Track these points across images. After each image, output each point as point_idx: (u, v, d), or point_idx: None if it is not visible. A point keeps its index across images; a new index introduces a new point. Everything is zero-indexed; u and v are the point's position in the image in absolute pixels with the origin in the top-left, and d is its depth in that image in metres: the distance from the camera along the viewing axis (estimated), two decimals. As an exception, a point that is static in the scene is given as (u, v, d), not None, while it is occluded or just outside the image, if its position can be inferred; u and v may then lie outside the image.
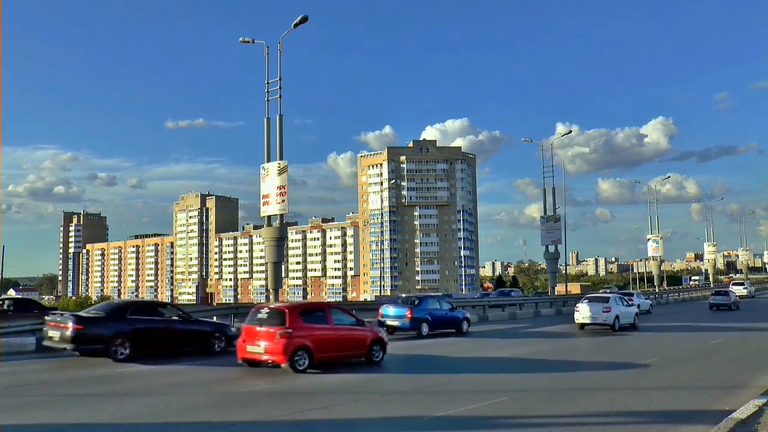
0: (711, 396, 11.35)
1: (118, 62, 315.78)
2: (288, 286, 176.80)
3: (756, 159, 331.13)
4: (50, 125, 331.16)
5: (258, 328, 13.79)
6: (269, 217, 27.56)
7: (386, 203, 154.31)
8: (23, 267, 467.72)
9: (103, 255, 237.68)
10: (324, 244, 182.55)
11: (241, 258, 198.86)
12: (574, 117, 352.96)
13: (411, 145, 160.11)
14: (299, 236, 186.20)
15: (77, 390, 11.49)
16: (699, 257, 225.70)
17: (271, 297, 28.19)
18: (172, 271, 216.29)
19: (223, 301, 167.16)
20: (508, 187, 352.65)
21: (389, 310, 23.52)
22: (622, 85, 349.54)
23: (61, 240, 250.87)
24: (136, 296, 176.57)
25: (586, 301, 27.51)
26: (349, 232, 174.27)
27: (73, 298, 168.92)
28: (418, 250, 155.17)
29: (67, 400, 10.46)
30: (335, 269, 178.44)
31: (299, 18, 26.24)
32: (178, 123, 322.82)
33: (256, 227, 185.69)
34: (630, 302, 30.13)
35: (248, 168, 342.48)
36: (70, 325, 14.85)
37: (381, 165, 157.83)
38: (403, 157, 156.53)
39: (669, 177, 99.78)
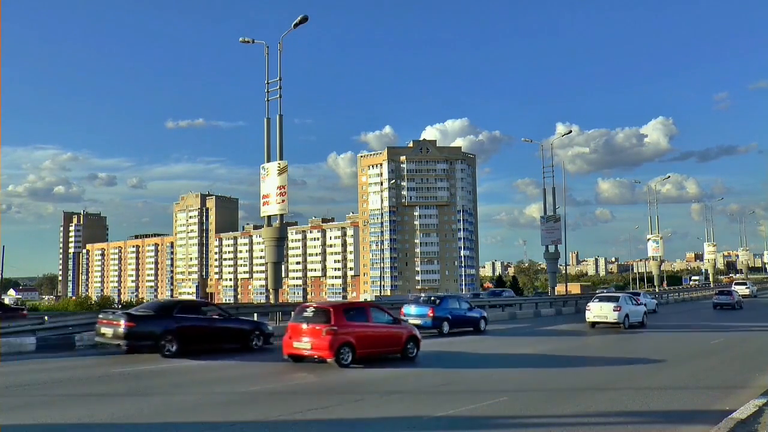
0: (711, 396, 11.36)
1: (118, 62, 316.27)
2: (288, 286, 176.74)
3: (756, 159, 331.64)
4: (50, 125, 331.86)
5: (303, 326, 14.65)
6: (269, 217, 27.55)
7: (386, 203, 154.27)
8: (23, 267, 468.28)
9: (103, 255, 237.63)
10: (324, 244, 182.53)
11: (241, 258, 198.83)
12: (574, 117, 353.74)
13: (411, 145, 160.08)
14: (299, 236, 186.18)
15: (77, 390, 11.49)
16: (699, 257, 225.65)
17: (271, 297, 28.19)
18: (172, 271, 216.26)
19: (223, 301, 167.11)
20: (508, 187, 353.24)
21: (411, 309, 24.21)
22: (622, 85, 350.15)
23: (61, 240, 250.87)
24: (136, 296, 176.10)
25: (597, 300, 28.46)
26: (349, 232, 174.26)
27: (73, 298, 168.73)
28: (418, 250, 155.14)
29: (67, 400, 10.46)
30: (335, 269, 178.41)
31: (299, 18, 26.24)
32: (178, 123, 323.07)
33: (256, 227, 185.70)
34: (638, 302, 30.70)
35: (248, 168, 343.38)
36: (123, 322, 15.63)
37: (381, 165, 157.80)
38: (403, 157, 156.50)
39: (669, 177, 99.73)
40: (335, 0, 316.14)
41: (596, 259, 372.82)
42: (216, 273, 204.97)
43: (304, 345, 14.53)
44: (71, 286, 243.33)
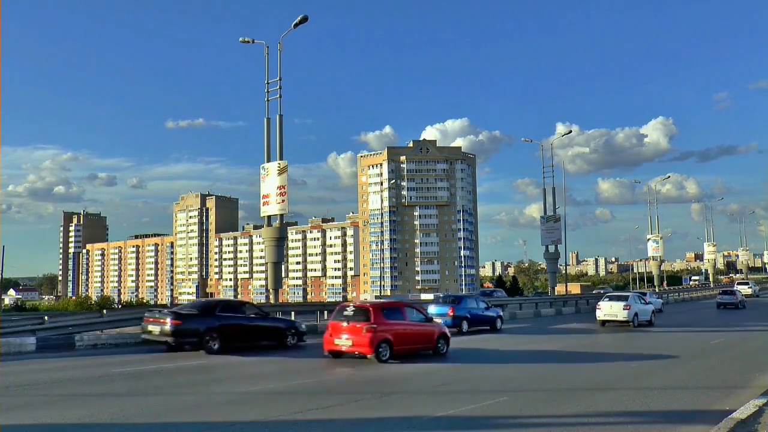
0: (711, 396, 11.36)
1: (118, 62, 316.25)
2: (288, 286, 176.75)
3: (756, 159, 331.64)
4: (50, 125, 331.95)
5: (343, 324, 15.51)
6: (269, 217, 27.56)
7: (386, 203, 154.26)
8: (23, 267, 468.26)
9: (103, 255, 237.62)
10: (324, 244, 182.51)
11: (241, 258, 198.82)
12: (574, 117, 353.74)
13: (411, 145, 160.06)
14: (299, 236, 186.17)
15: (77, 390, 11.49)
16: (699, 257, 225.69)
17: (271, 297, 28.20)
18: (172, 271, 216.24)
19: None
20: (508, 187, 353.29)
21: (432, 308, 24.84)
22: (622, 85, 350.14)
23: (61, 240, 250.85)
24: (136, 296, 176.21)
25: (607, 299, 29.37)
26: (349, 232, 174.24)
27: (73, 298, 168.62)
28: (418, 250, 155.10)
29: (67, 400, 10.46)
30: (335, 269, 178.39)
31: (299, 18, 26.25)
32: (178, 123, 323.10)
33: (256, 227, 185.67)
34: (647, 301, 31.42)
35: (248, 168, 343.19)
36: (169, 320, 16.46)
37: (381, 165, 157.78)
38: (403, 157, 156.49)
39: (669, 177, 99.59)
40: (335, 0, 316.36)
41: (596, 259, 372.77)
42: (216, 273, 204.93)
43: (344, 342, 15.38)
44: (71, 286, 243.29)
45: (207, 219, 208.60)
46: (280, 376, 13.60)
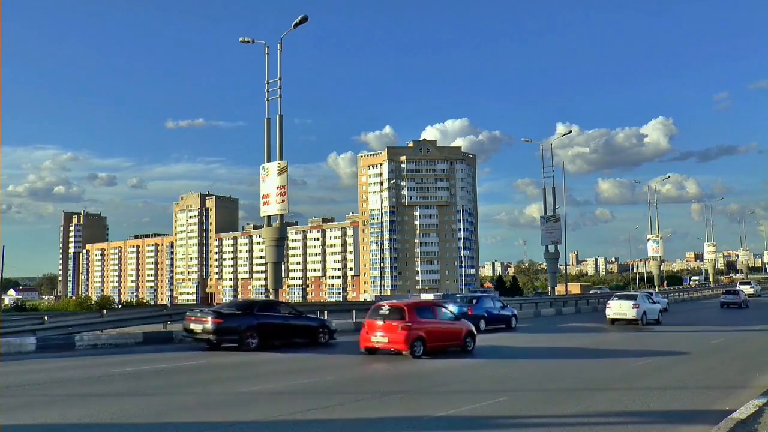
0: (711, 396, 11.36)
1: (118, 62, 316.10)
2: (288, 286, 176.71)
3: (756, 159, 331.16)
4: (50, 125, 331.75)
5: (378, 322, 16.40)
6: (269, 217, 27.56)
7: (386, 203, 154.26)
8: (23, 267, 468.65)
9: (103, 255, 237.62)
10: (324, 244, 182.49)
11: (241, 258, 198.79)
12: (574, 117, 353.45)
13: (411, 145, 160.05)
14: (299, 236, 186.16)
15: (77, 390, 11.49)
16: (699, 257, 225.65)
17: (271, 297, 28.20)
18: (172, 271, 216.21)
19: (223, 302, 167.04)
20: (508, 187, 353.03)
21: (450, 307, 25.45)
22: (622, 85, 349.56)
23: (61, 240, 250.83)
24: (136, 296, 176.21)
25: (617, 298, 30.55)
26: (349, 232, 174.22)
27: (73, 298, 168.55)
28: (418, 250, 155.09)
29: (67, 400, 10.46)
30: (335, 269, 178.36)
31: (299, 18, 26.25)
32: (178, 123, 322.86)
33: (256, 227, 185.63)
34: (654, 301, 32.34)
35: (248, 168, 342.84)
36: (211, 319, 17.25)
37: (381, 165, 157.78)
38: (403, 157, 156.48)
39: (669, 177, 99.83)
40: (335, 0, 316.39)
41: (596, 259, 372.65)
42: (216, 273, 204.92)
43: (381, 339, 16.25)
44: (71, 286, 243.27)
45: (207, 219, 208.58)
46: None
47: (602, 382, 12.91)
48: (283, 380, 12.86)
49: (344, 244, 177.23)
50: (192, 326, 17.61)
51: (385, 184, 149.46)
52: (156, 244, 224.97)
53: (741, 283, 67.77)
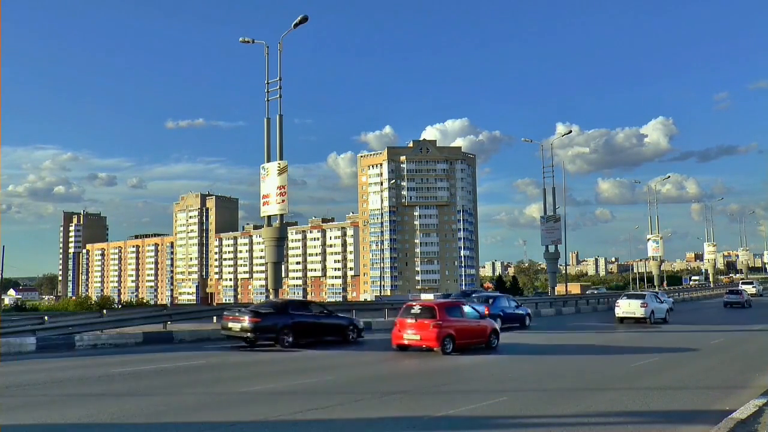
0: (711, 396, 11.35)
1: (118, 62, 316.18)
2: (288, 286, 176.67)
3: (756, 159, 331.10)
4: (50, 125, 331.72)
5: (409, 321, 17.26)
6: (269, 217, 27.55)
7: (386, 203, 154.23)
8: (23, 267, 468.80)
9: (103, 255, 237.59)
10: (324, 244, 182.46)
11: (241, 258, 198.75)
12: (574, 117, 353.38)
13: (411, 145, 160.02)
14: (299, 236, 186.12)
15: (77, 390, 11.49)
16: (699, 257, 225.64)
17: (271, 297, 28.18)
18: (172, 271, 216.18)
19: (223, 302, 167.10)
20: (508, 187, 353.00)
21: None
22: (622, 85, 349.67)
23: (61, 240, 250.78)
24: (136, 296, 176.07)
25: (626, 297, 31.59)
26: (349, 232, 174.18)
27: (73, 298, 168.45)
28: (418, 250, 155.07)
29: (67, 400, 10.46)
30: (335, 269, 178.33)
31: (299, 18, 26.25)
32: (178, 123, 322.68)
33: (256, 227, 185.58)
34: (661, 300, 33.34)
35: (248, 168, 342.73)
36: (250, 318, 18.09)
37: (381, 165, 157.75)
38: (403, 157, 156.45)
39: (669, 177, 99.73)
40: (335, 0, 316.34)
41: (596, 259, 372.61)
42: (216, 273, 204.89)
43: (413, 337, 17.10)
44: (71, 286, 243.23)
45: (207, 219, 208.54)
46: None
47: (601, 383, 12.90)
48: (284, 380, 12.86)
49: (344, 244, 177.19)
50: (230, 325, 18.38)
51: (385, 184, 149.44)
52: (156, 244, 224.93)
53: (743, 283, 68.80)
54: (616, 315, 30.29)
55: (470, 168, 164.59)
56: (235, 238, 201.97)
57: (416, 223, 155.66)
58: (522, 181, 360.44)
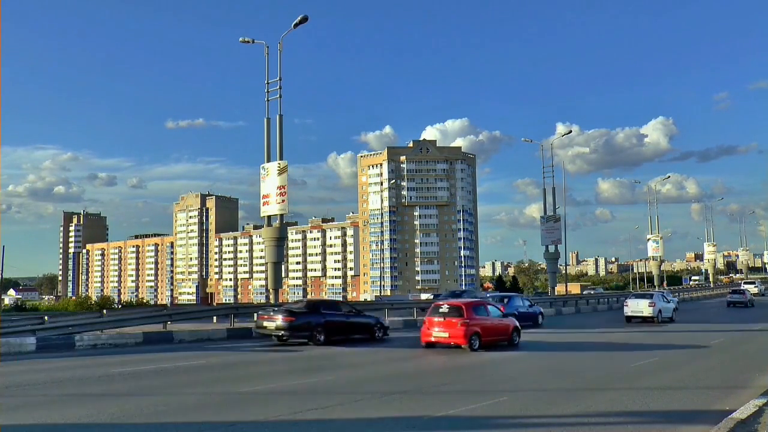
0: (711, 396, 11.35)
1: (118, 62, 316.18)
2: (288, 286, 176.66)
3: (756, 159, 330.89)
4: (51, 125, 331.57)
5: (437, 319, 18.19)
6: (269, 217, 27.56)
7: (386, 203, 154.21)
8: (23, 267, 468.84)
9: (103, 255, 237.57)
10: (324, 244, 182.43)
11: (241, 258, 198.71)
12: (574, 117, 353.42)
13: (411, 145, 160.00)
14: (299, 236, 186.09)
15: (77, 390, 11.49)
16: (699, 257, 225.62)
17: (271, 297, 28.21)
18: (172, 271, 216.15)
19: (223, 302, 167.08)
20: (508, 187, 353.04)
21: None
22: (622, 85, 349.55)
23: (61, 240, 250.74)
24: (136, 296, 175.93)
25: (634, 297, 32.91)
26: (349, 232, 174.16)
27: (73, 298, 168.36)
28: (418, 250, 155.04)
29: (67, 400, 10.45)
30: (335, 269, 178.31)
31: (299, 18, 26.26)
32: (178, 123, 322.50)
33: (256, 227, 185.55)
34: (668, 300, 34.12)
35: (248, 168, 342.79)
36: (285, 317, 18.97)
37: (381, 165, 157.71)
38: (403, 157, 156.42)
39: (669, 177, 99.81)
40: (335, 0, 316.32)
41: (596, 259, 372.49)
42: (216, 273, 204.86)
43: (441, 334, 17.98)
44: (71, 286, 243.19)
45: (207, 219, 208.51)
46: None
47: (601, 383, 12.90)
48: (284, 380, 12.87)
49: (344, 244, 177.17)
50: (265, 324, 19.32)
51: (385, 184, 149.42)
52: (156, 244, 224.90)
53: (746, 283, 69.55)
54: (625, 314, 31.22)
55: (470, 168, 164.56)
56: (235, 238, 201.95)
57: (416, 223, 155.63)
58: (522, 181, 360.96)
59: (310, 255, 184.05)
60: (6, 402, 10.20)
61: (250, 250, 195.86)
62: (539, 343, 21.05)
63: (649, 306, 30.32)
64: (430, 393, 11.63)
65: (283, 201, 26.83)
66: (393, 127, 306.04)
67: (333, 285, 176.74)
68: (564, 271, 57.10)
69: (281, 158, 27.09)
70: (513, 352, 18.41)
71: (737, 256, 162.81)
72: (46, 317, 20.71)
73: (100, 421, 8.85)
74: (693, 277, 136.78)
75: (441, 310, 18.42)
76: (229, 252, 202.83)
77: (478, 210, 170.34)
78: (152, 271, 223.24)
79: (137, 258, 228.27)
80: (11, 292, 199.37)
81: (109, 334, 19.70)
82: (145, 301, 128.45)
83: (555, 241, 48.71)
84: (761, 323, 30.99)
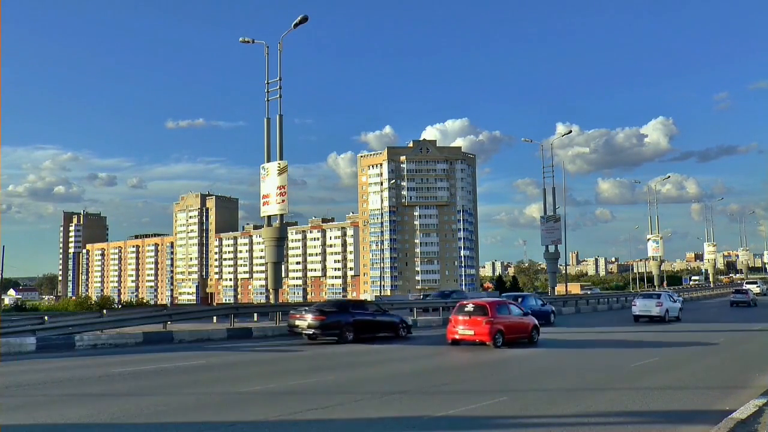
0: (711, 396, 11.35)
1: (118, 62, 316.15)
2: (288, 286, 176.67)
3: (756, 159, 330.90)
4: (51, 125, 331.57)
5: (463, 317, 19.00)
6: (269, 217, 27.56)
7: (386, 203, 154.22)
8: (23, 267, 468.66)
9: (103, 255, 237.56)
10: (324, 244, 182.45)
11: (241, 258, 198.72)
12: (574, 117, 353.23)
13: (411, 145, 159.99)
14: (299, 236, 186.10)
15: (77, 390, 11.48)
16: (699, 257, 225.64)
17: (271, 297, 28.22)
18: (172, 271, 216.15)
19: (223, 302, 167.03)
20: (508, 187, 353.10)
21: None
22: (622, 85, 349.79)
23: (61, 240, 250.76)
24: (136, 296, 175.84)
25: (641, 296, 33.79)
26: (349, 232, 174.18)
27: (73, 298, 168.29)
28: (418, 250, 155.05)
29: (67, 400, 10.45)
30: (335, 269, 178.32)
31: (299, 18, 26.26)
32: (178, 123, 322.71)
33: (256, 227, 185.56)
34: (674, 300, 34.96)
35: (248, 168, 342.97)
36: (315, 316, 19.86)
37: (381, 165, 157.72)
38: (403, 157, 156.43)
39: (669, 177, 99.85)
40: (335, 1, 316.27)
41: (596, 259, 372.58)
42: (216, 273, 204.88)
43: (466, 332, 18.78)
44: (71, 286, 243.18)
45: (207, 219, 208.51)
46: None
47: (600, 383, 12.90)
48: (284, 380, 12.86)
49: (344, 244, 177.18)
50: (297, 322, 20.15)
51: (385, 184, 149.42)
52: (156, 244, 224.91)
53: (748, 283, 69.90)
54: (633, 313, 32.07)
55: (470, 168, 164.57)
56: (235, 238, 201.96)
57: (416, 223, 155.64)
58: (522, 181, 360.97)
59: (310, 255, 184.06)
60: (6, 402, 10.20)
61: (250, 250, 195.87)
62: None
63: (656, 306, 31.15)
64: (431, 393, 11.61)
65: (283, 201, 26.82)
66: (393, 127, 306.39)
67: (333, 285, 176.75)
68: (564, 271, 57.10)
69: (281, 158, 27.09)
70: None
71: (737, 256, 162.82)
72: (46, 317, 20.72)
73: (100, 421, 8.85)
74: (693, 277, 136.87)
75: (466, 309, 19.17)
76: (229, 252, 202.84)
77: (478, 210, 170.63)
78: (152, 271, 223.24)
79: (137, 258, 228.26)
80: (11, 292, 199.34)
81: (109, 334, 19.71)
82: (145, 301, 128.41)
83: (555, 241, 48.71)
84: (762, 323, 31.19)
